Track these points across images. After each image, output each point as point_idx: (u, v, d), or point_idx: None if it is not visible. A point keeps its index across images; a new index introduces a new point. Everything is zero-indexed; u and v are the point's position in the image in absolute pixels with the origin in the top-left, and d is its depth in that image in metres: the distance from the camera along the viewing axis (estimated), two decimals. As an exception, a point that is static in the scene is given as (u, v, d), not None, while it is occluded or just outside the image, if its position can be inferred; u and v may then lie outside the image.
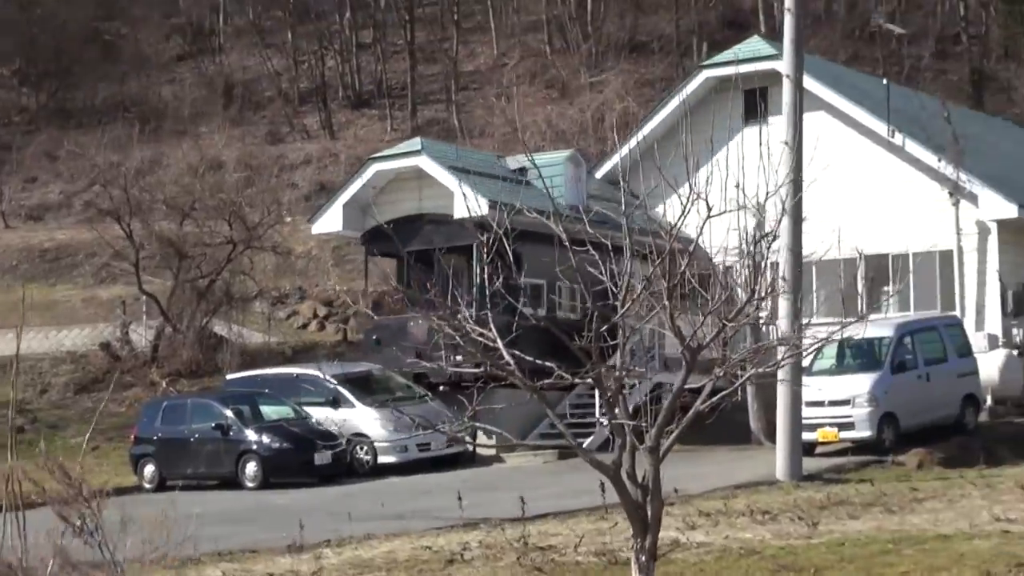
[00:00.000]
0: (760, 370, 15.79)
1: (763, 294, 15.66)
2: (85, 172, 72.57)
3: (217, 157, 63.18)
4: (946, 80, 68.54)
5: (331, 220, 38.43)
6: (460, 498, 23.87)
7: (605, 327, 14.93)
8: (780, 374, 29.44)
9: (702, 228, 14.87)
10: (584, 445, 34.86)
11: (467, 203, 35.32)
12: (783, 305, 29.45)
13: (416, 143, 38.69)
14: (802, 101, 30.21)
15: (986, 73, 69.86)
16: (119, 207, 52.32)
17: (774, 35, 69.86)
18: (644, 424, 15.21)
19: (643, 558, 15.11)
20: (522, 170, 38.55)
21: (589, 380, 15.13)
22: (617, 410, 15.38)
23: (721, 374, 15.32)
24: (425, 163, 36.45)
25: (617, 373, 15.77)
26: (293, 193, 67.36)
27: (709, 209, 15.52)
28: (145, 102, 78.15)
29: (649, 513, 15.26)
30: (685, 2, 76.83)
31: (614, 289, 15.12)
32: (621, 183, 16.14)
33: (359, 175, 37.85)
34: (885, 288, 36.28)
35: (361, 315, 57.75)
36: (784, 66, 29.95)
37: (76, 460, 43.50)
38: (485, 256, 33.29)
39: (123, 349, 52.49)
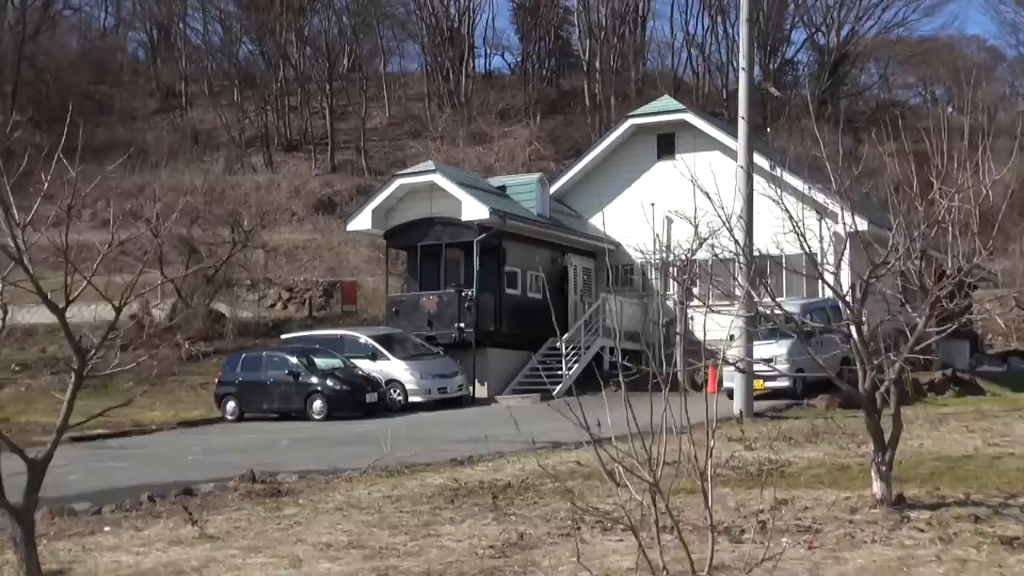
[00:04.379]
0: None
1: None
2: (92, 190, 68.49)
3: (191, 184, 59.74)
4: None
5: (362, 220, 35.48)
6: (599, 423, 21.18)
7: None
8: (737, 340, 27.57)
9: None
10: (554, 392, 32.66)
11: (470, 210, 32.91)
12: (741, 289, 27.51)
13: (430, 164, 36.06)
14: (751, 138, 28.30)
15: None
16: (148, 215, 49.31)
17: (595, 107, 68.36)
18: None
19: (883, 468, 13.16)
20: (503, 187, 36.18)
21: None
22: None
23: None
24: (438, 179, 33.83)
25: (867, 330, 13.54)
26: (248, 212, 64.28)
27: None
28: (132, 143, 73.49)
29: (888, 433, 13.26)
30: (526, 82, 75.20)
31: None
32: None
33: (385, 187, 35.14)
34: (764, 280, 34.61)
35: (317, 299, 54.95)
36: (740, 109, 27.95)
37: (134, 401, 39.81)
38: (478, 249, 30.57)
39: (147, 320, 49.35)
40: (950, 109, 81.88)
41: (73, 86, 77.46)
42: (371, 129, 75.24)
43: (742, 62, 27.86)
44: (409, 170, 36.24)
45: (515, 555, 11.24)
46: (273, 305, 54.85)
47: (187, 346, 45.64)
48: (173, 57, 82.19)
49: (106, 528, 13.51)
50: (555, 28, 76.52)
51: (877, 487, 13.09)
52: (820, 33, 73.12)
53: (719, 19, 73.37)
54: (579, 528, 12.59)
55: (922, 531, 11.78)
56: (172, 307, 49.43)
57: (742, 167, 27.50)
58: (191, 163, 69.01)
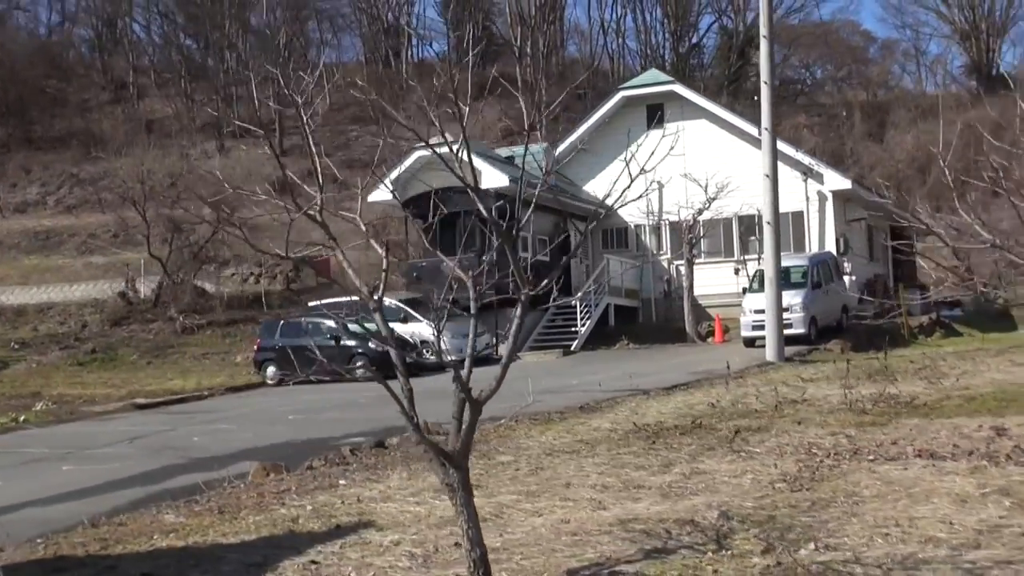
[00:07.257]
0: None
1: None
2: (54, 178, 65.80)
3: (154, 169, 56.84)
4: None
5: (381, 192, 33.63)
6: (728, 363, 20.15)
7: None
8: (768, 291, 26.61)
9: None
10: (572, 348, 31.51)
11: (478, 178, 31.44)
12: (768, 243, 26.60)
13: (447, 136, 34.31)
14: (774, 98, 27.33)
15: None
16: (135, 197, 47.34)
17: (528, 89, 66.67)
18: None
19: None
20: (510, 157, 34.82)
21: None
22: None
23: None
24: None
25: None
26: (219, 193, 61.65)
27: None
28: (88, 134, 70.11)
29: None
30: (460, 68, 73.37)
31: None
32: None
33: (403, 160, 33.30)
34: (752, 237, 33.91)
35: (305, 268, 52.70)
36: (763, 73, 26.90)
37: (142, 373, 37.33)
38: (491, 216, 28.99)
39: (134, 296, 47.26)
40: (833, 87, 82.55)
41: (28, 80, 73.90)
42: (315, 115, 73.13)
43: (763, 31, 26.89)
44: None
45: (818, 488, 10.03)
46: (246, 280, 52.66)
47: (181, 319, 43.54)
48: (120, 51, 78.85)
49: (341, 482, 12.08)
50: (483, 16, 75.03)
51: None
52: (727, 18, 72.89)
53: (629, 7, 73.16)
54: (827, 461, 11.45)
55: None
56: (158, 284, 47.21)
57: (767, 129, 26.56)
58: (146, 151, 65.89)
